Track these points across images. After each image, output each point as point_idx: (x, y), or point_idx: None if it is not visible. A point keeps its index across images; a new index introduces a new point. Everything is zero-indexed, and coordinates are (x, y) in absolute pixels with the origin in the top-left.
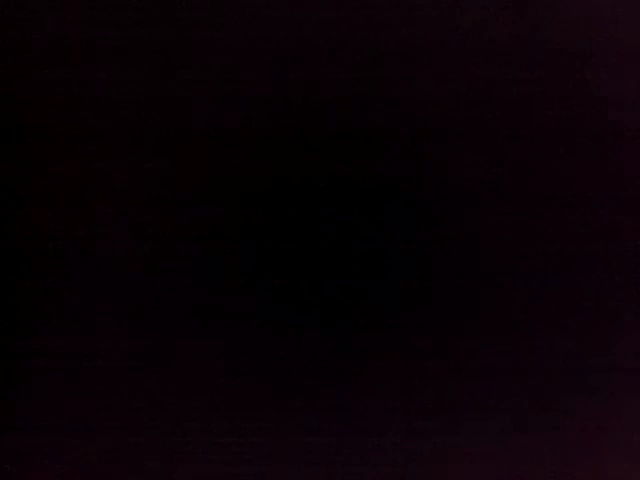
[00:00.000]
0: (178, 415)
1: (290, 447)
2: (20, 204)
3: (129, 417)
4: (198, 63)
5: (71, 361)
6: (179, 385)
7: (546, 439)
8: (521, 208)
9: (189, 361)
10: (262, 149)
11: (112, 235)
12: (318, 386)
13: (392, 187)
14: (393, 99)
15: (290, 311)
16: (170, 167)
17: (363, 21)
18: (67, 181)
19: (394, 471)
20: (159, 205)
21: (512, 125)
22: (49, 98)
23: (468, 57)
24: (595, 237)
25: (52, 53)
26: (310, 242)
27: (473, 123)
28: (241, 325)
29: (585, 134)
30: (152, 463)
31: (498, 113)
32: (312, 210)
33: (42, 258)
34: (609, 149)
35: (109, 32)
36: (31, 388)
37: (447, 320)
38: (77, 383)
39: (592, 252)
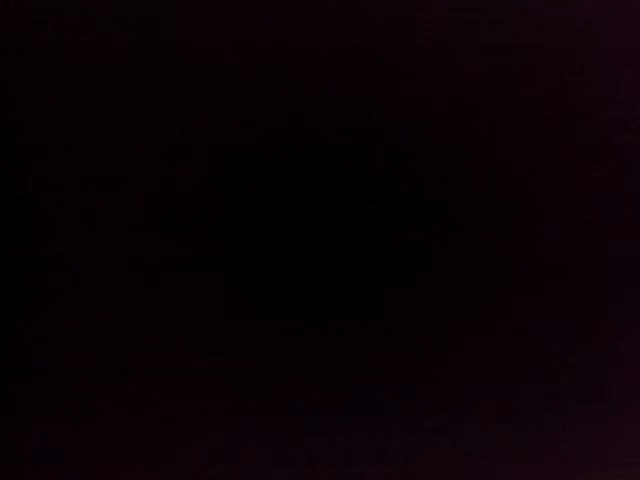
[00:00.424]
0: (178, 416)
1: (290, 447)
2: (20, 204)
3: (129, 417)
4: (198, 63)
5: (71, 361)
6: (179, 385)
7: (546, 439)
8: (521, 208)
9: (189, 361)
10: (261, 149)
11: (112, 235)
12: (318, 386)
13: (392, 187)
14: (393, 99)
15: (290, 311)
16: (170, 167)
17: (363, 21)
18: (67, 181)
19: (394, 471)
20: (159, 205)
21: (512, 125)
22: (49, 98)
23: (468, 57)
24: (595, 237)
25: (52, 53)
26: (310, 242)
27: (473, 123)
28: (241, 325)
29: (585, 134)
30: (153, 463)
31: (498, 113)
32: (312, 210)
33: (42, 258)
34: (609, 149)
35: (109, 32)
36: (31, 388)
37: (447, 320)
38: (77, 383)
39: (592, 252)
